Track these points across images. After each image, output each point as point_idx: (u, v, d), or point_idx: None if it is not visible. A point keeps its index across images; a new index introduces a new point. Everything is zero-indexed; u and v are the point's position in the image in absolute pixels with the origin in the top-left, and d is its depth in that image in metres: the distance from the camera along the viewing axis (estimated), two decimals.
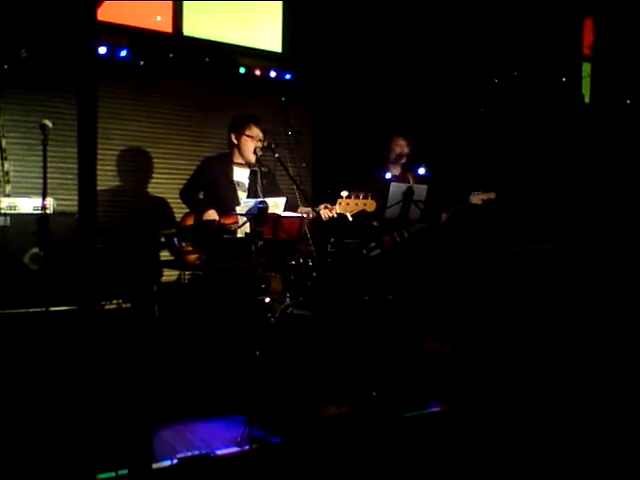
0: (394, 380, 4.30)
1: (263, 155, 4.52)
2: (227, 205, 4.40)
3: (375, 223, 5.06)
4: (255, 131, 4.57)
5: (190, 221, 4.57)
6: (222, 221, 4.41)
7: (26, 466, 2.93)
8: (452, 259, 5.69)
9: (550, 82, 6.68)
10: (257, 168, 4.48)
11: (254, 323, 3.99)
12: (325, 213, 4.35)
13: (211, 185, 4.60)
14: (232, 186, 4.60)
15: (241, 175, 4.65)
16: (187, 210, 4.68)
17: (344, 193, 4.36)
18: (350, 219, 4.39)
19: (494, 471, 3.34)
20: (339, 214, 4.37)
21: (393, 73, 6.28)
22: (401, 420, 3.85)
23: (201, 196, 4.64)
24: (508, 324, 5.32)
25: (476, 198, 5.17)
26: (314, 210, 4.35)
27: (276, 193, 4.48)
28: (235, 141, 4.63)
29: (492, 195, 5.19)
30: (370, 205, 4.40)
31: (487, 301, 5.53)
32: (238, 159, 4.65)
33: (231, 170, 4.64)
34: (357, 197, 4.36)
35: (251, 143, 4.54)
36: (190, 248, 4.40)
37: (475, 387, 4.41)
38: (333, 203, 4.38)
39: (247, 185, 4.64)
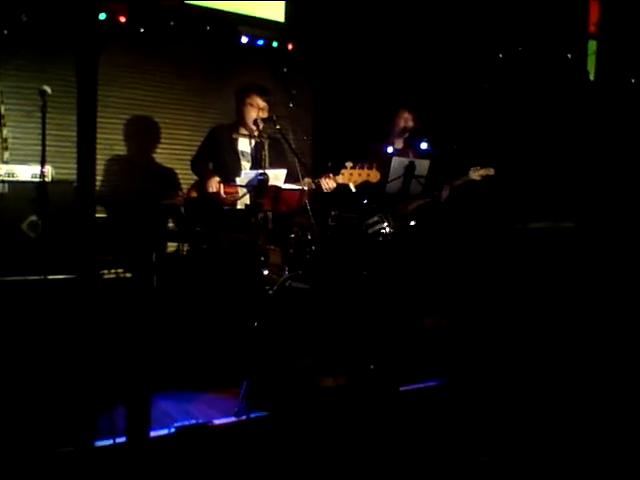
0: (391, 354, 4.31)
1: (265, 127, 4.49)
2: (231, 174, 4.36)
3: (365, 201, 5.02)
4: (256, 100, 4.52)
5: (194, 193, 4.56)
6: (225, 190, 4.39)
7: (24, 432, 2.94)
8: (451, 236, 5.67)
9: (555, 59, 6.61)
10: (261, 139, 4.45)
11: (253, 295, 3.99)
12: (325, 184, 4.32)
13: (216, 154, 4.61)
14: (236, 156, 4.58)
15: (246, 145, 4.62)
16: (190, 181, 4.68)
17: (348, 163, 4.32)
18: (353, 190, 4.36)
19: (487, 445, 3.36)
20: (341, 184, 4.34)
21: (396, 46, 6.21)
22: (397, 393, 3.87)
23: (210, 166, 4.63)
24: (507, 303, 5.34)
25: (475, 174, 5.19)
26: (313, 182, 4.32)
27: (283, 163, 4.46)
28: (238, 109, 4.62)
29: (491, 171, 5.21)
30: (374, 175, 4.36)
31: (486, 278, 5.54)
32: (243, 129, 4.63)
33: (236, 139, 4.62)
34: (361, 167, 4.33)
35: (252, 112, 4.51)
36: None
37: (471, 362, 4.42)
38: (335, 174, 4.35)
39: (251, 155, 4.61)
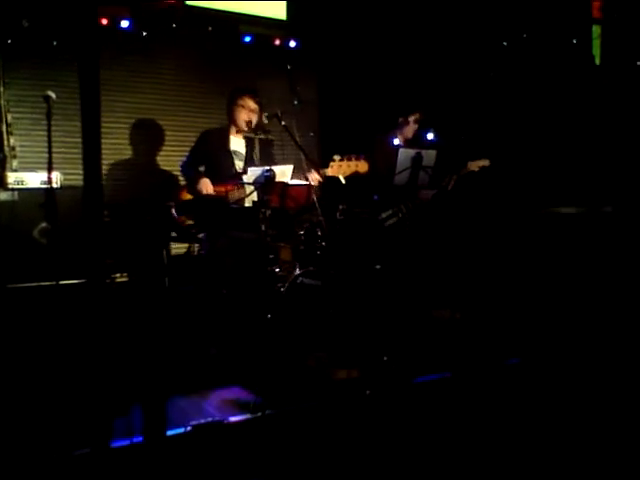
0: (404, 346, 4.31)
1: (270, 124, 4.51)
2: (225, 174, 4.49)
3: (375, 197, 5.04)
4: (247, 102, 4.65)
5: (185, 194, 4.58)
6: (215, 189, 4.45)
7: (40, 436, 2.97)
8: (460, 226, 5.67)
9: (560, 44, 6.57)
10: (252, 135, 4.55)
11: (262, 293, 4.00)
12: (313, 178, 4.30)
13: (209, 156, 4.66)
14: (229, 155, 4.69)
15: (238, 144, 4.74)
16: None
17: (336, 156, 4.33)
18: (343, 181, 4.34)
19: (501, 438, 3.34)
20: (330, 177, 4.33)
21: (400, 37, 6.18)
22: (411, 385, 3.86)
23: (202, 169, 4.66)
24: (518, 288, 5.32)
25: (473, 165, 5.29)
26: (304, 176, 4.32)
27: (270, 162, 4.50)
28: (229, 110, 4.74)
29: (485, 162, 5.29)
30: (362, 166, 4.34)
31: (497, 267, 5.52)
32: (234, 129, 4.74)
33: (228, 140, 4.72)
34: (349, 159, 4.32)
35: (243, 113, 4.64)
36: (189, 222, 4.43)
37: (485, 354, 4.40)
38: (323, 167, 4.35)
39: (244, 154, 4.71)
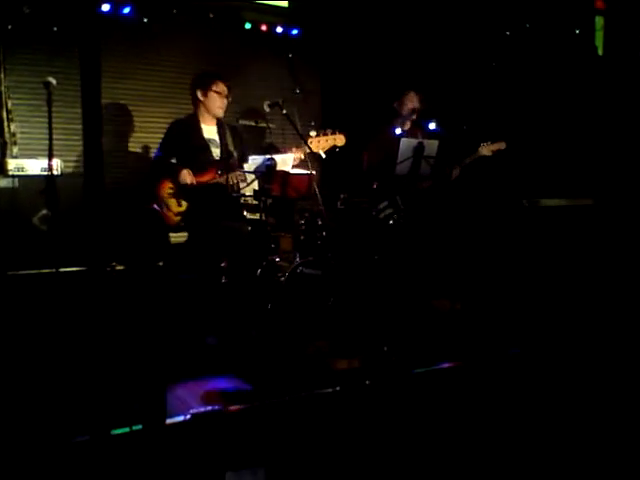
0: (405, 336, 4.31)
1: (270, 112, 4.49)
2: (201, 163, 4.42)
3: (374, 185, 5.01)
4: (222, 87, 4.57)
5: (167, 184, 4.46)
6: (196, 179, 4.40)
7: (41, 422, 2.97)
8: (463, 216, 5.65)
9: (563, 35, 6.54)
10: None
11: (263, 282, 4.00)
12: (296, 154, 4.32)
13: (183, 147, 4.55)
14: (204, 143, 4.59)
15: (211, 132, 4.65)
16: None
17: (312, 132, 4.34)
18: (324, 156, 4.35)
19: (501, 426, 3.35)
20: (311, 153, 4.32)
21: (403, 26, 6.14)
22: (411, 375, 3.86)
23: (173, 161, 4.58)
24: (519, 280, 5.31)
25: (486, 149, 5.12)
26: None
27: (242, 148, 4.57)
28: (202, 98, 4.61)
29: (502, 145, 5.14)
30: (339, 139, 4.37)
31: (498, 258, 5.51)
32: (205, 116, 4.64)
33: (200, 129, 4.62)
34: (325, 134, 4.33)
35: (218, 99, 4.56)
36: (173, 209, 4.40)
37: (487, 344, 4.40)
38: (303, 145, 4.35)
39: (218, 141, 4.64)
